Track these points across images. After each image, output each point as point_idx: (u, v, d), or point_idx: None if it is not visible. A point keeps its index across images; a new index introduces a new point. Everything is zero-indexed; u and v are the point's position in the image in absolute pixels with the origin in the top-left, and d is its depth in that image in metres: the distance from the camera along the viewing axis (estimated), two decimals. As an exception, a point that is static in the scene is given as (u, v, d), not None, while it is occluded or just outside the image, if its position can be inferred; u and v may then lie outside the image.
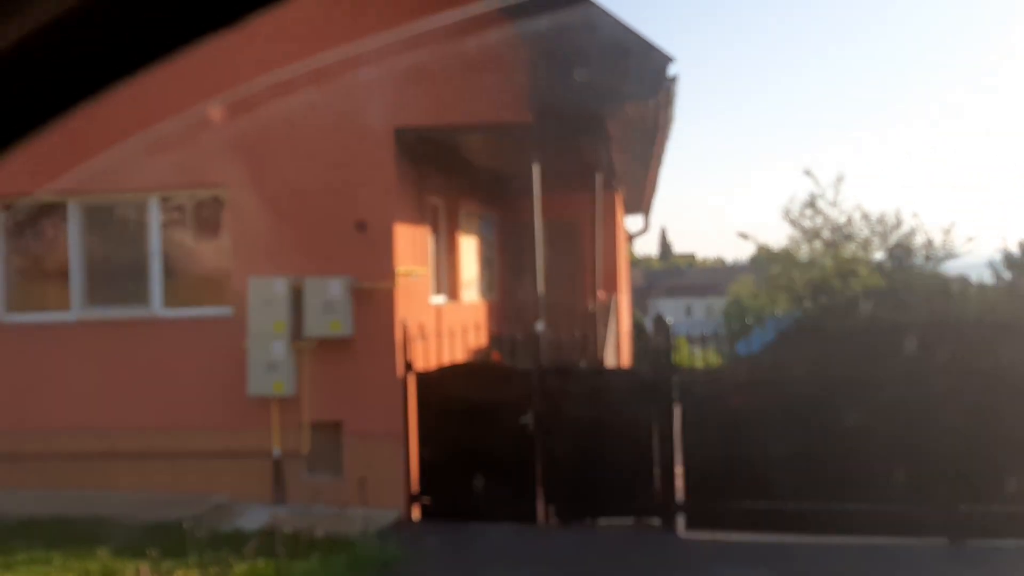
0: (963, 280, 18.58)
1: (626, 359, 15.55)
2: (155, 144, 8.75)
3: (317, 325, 8.33)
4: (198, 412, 8.69)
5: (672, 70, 8.09)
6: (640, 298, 69.75)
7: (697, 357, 9.13)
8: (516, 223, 13.79)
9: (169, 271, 9.06)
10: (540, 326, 8.75)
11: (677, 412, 8.06)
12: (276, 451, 8.56)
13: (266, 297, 8.34)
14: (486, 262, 13.50)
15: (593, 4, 8.00)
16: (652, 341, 8.28)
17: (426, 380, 8.51)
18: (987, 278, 20.40)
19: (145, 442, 8.78)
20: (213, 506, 8.26)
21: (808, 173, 23.11)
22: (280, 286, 8.33)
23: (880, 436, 7.54)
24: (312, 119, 8.55)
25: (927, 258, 22.46)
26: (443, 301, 10.88)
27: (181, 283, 9.08)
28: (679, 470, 8.03)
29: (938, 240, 22.40)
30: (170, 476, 8.77)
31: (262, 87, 8.62)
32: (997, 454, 7.29)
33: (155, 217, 9.02)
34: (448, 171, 10.86)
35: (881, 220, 22.96)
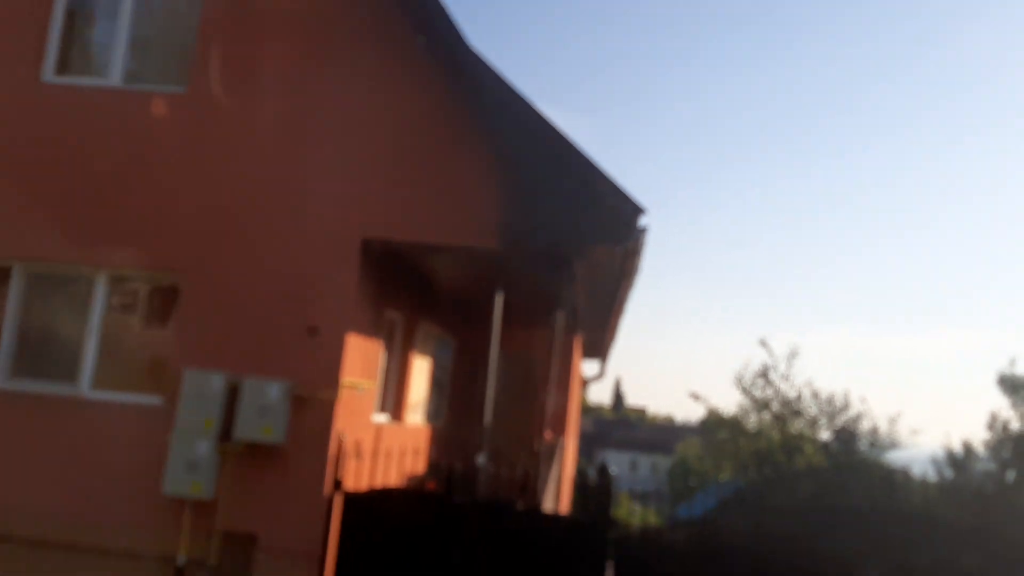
0: (905, 473, 18.59)
1: (565, 505, 15.10)
2: (115, 220, 8.60)
3: (249, 428, 7.95)
4: (106, 504, 8.14)
5: (643, 221, 8.19)
6: (588, 445, 69.10)
7: (637, 514, 8.82)
8: (472, 350, 13.63)
9: (105, 351, 8.68)
10: (482, 459, 8.45)
11: (609, 569, 7.70)
12: (181, 558, 7.98)
13: (200, 391, 7.97)
14: (436, 385, 13.23)
15: (575, 147, 8.16)
16: (593, 491, 7.98)
17: (354, 502, 8.08)
18: (928, 472, 20.48)
19: (42, 529, 8.17)
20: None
21: (763, 344, 23.44)
22: (216, 382, 7.98)
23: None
24: (281, 217, 8.47)
25: (872, 444, 22.59)
26: (386, 420, 10.53)
27: (115, 365, 8.68)
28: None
29: (884, 428, 22.62)
30: (63, 570, 8.11)
31: (232, 177, 8.60)
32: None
33: (101, 294, 8.72)
34: (411, 288, 10.76)
35: (830, 400, 23.19)
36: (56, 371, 8.70)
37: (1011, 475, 18.94)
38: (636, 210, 8.07)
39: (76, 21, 9.34)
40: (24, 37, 9.06)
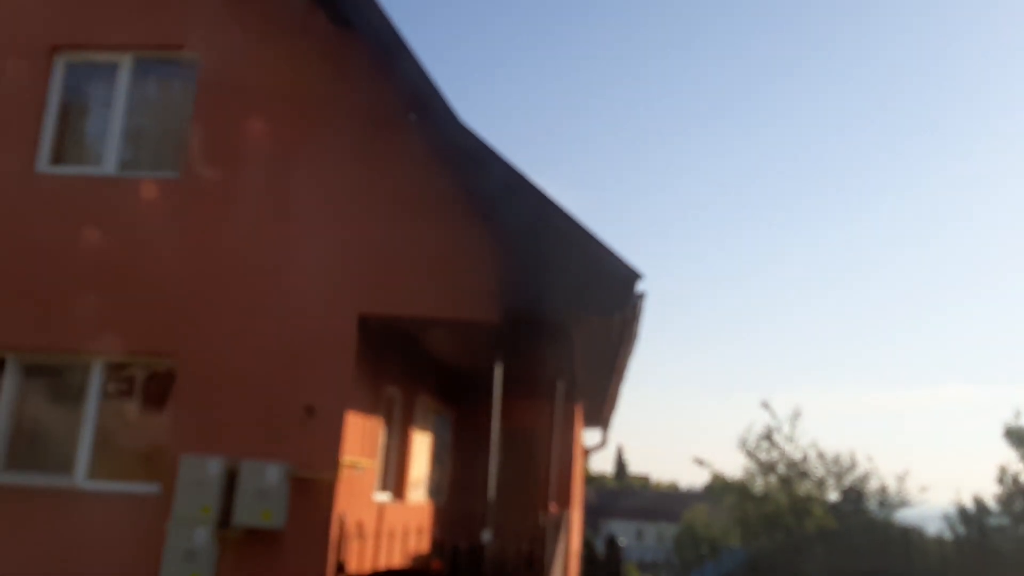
0: (919, 532, 18.30)
1: (573, 581, 14.74)
2: (109, 309, 8.55)
3: (247, 513, 7.77)
4: (103, 598, 7.90)
5: (640, 287, 8.18)
6: (592, 516, 67.97)
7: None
8: (473, 424, 13.47)
9: (101, 440, 8.54)
10: (487, 536, 8.26)
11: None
12: (181, 651, 7.72)
13: (197, 477, 7.82)
14: (438, 462, 13.03)
15: (570, 216, 8.19)
16: (603, 564, 7.79)
17: (357, 585, 7.87)
18: (940, 529, 20.19)
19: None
20: None
21: (765, 405, 23.38)
22: (214, 466, 7.84)
23: None
24: (276, 297, 8.44)
25: (881, 504, 22.30)
26: (387, 499, 10.32)
27: (111, 454, 8.53)
28: None
29: (892, 486, 22.37)
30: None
31: (226, 259, 8.60)
32: None
33: (96, 382, 8.62)
34: (409, 363, 10.68)
35: (836, 460, 23.00)
36: (50, 462, 8.55)
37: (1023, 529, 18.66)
38: (633, 276, 8.06)
39: (71, 112, 9.46)
40: (19, 128, 9.15)
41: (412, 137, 8.68)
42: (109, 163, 9.11)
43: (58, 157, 9.25)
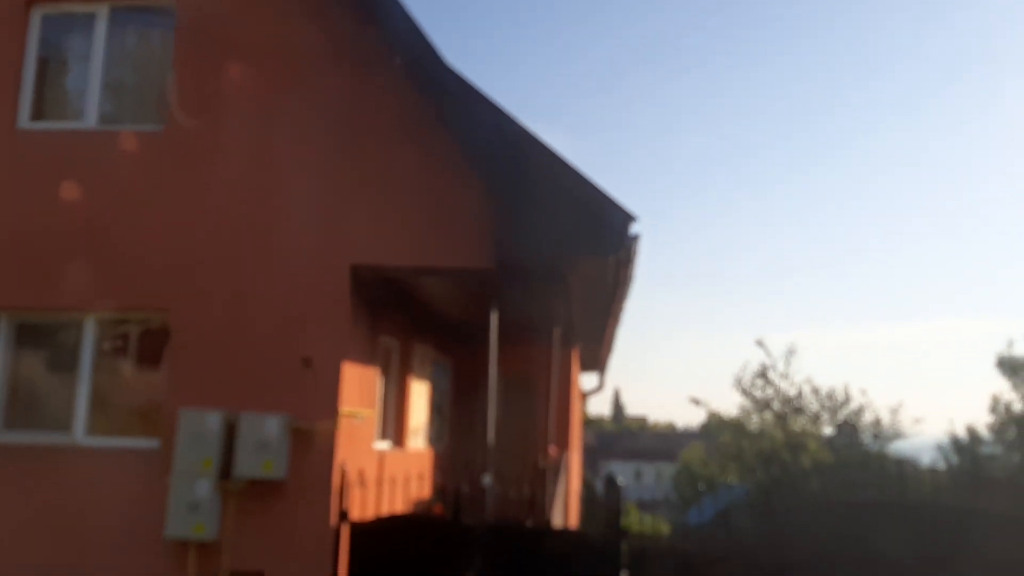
0: (912, 463, 18.53)
1: (574, 520, 14.95)
2: (101, 263, 8.48)
3: (249, 465, 7.81)
4: (108, 552, 7.98)
5: (634, 229, 8.12)
6: (591, 459, 68.83)
7: (647, 523, 8.72)
8: (470, 371, 13.53)
9: (98, 397, 8.54)
10: (488, 480, 8.33)
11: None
12: (189, 602, 7.82)
13: (197, 431, 7.83)
14: (436, 409, 13.10)
15: (561, 159, 8.09)
16: (602, 503, 7.87)
17: (362, 531, 7.95)
18: (933, 459, 20.45)
19: (45, 582, 8.00)
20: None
21: (760, 344, 23.42)
22: (213, 420, 7.85)
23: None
24: (268, 248, 8.36)
25: (875, 437, 22.55)
26: (387, 447, 10.39)
27: (109, 410, 8.54)
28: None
29: (886, 419, 22.59)
30: (68, 623, 7.95)
31: (216, 211, 8.50)
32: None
33: (90, 339, 8.58)
34: (405, 313, 10.65)
35: (831, 395, 23.17)
36: (49, 421, 8.56)
37: (1017, 457, 18.89)
38: (627, 218, 7.99)
39: (49, 67, 9.25)
40: (-3, 85, 8.96)
41: (400, 82, 8.52)
42: (90, 117, 8.94)
43: (38, 113, 9.07)
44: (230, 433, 7.93)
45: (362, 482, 8.24)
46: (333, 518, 7.92)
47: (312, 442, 8.02)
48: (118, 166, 8.70)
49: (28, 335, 8.82)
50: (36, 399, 8.73)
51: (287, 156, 8.53)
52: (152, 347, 8.66)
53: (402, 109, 8.52)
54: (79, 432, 8.43)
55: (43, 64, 9.19)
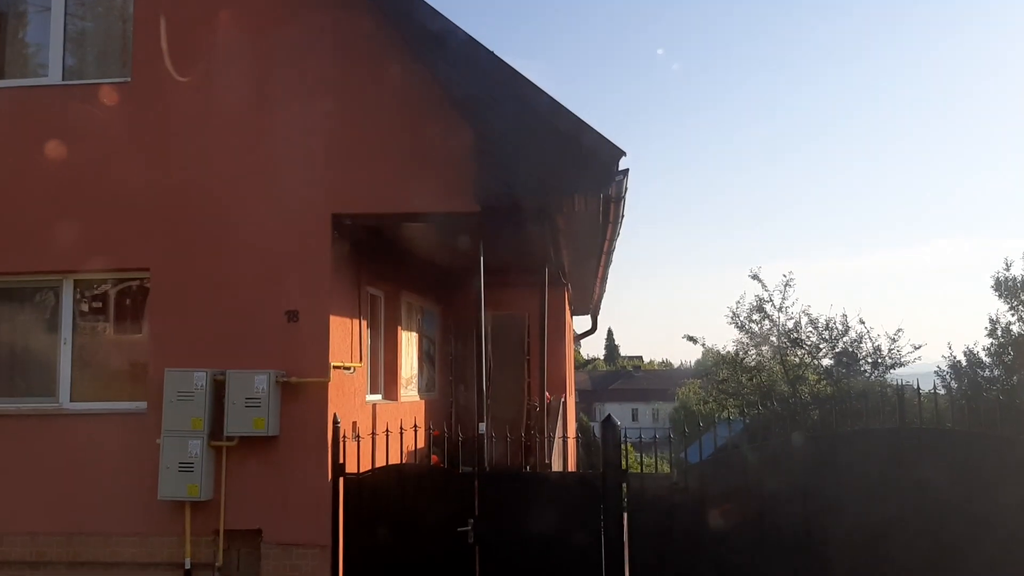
0: (913, 389, 18.53)
1: (573, 464, 14.95)
2: (76, 224, 8.21)
3: (239, 422, 7.66)
4: (103, 516, 7.88)
5: (623, 164, 7.87)
6: (586, 401, 69.32)
7: (646, 463, 8.63)
8: (460, 318, 13.36)
9: (81, 361, 8.36)
10: (483, 427, 8.21)
11: (627, 521, 7.50)
12: (187, 562, 7.73)
13: (184, 391, 7.67)
14: (427, 358, 12.96)
15: (544, 93, 7.79)
16: (601, 445, 7.75)
17: (357, 483, 7.84)
18: (933, 385, 20.47)
19: (40, 549, 7.93)
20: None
21: (755, 276, 23.31)
22: (200, 379, 7.67)
23: (852, 554, 7.07)
24: (244, 200, 8.10)
25: (874, 365, 22.59)
26: (379, 399, 10.26)
27: (93, 374, 8.36)
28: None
29: (885, 347, 22.60)
30: (67, 588, 7.88)
31: (191, 165, 8.22)
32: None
33: (68, 302, 8.36)
34: (389, 261, 10.43)
35: (828, 326, 23.15)
36: (33, 386, 8.39)
37: (1016, 379, 18.94)
38: (616, 153, 7.71)
39: (7, 23, 8.87)
40: (-46, 44, 8.60)
41: (377, 25, 8.17)
42: (55, 72, 8.60)
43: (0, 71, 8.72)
44: (218, 391, 7.78)
45: (356, 435, 8.11)
46: (329, 472, 7.80)
47: (304, 397, 7.87)
48: (87, 121, 8.38)
49: (4, 301, 8.59)
50: (18, 365, 8.54)
51: (261, 103, 8.22)
52: (133, 307, 8.45)
53: (380, 52, 8.18)
54: (64, 397, 8.26)
55: (1, 19, 8.81)
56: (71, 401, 8.25)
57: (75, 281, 8.41)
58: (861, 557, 7.09)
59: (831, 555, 7.14)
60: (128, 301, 8.49)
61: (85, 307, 8.49)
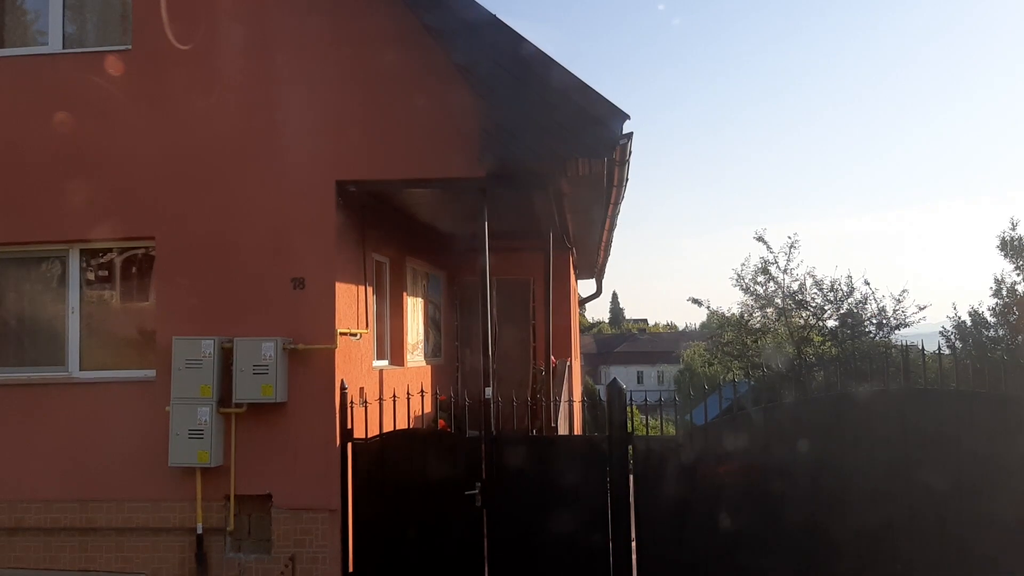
0: (916, 349, 18.54)
1: (578, 427, 15.05)
2: (80, 193, 8.21)
3: (247, 389, 7.72)
4: (115, 483, 7.98)
5: (627, 127, 7.81)
6: (591, 364, 69.59)
7: (652, 426, 8.69)
8: (465, 283, 13.38)
9: (89, 330, 8.41)
10: (489, 391, 8.26)
11: (633, 483, 7.58)
12: (199, 527, 7.85)
13: (192, 358, 7.72)
14: (433, 324, 13.01)
15: (547, 57, 7.73)
16: (606, 408, 7.81)
17: (365, 448, 7.92)
18: (938, 345, 20.50)
19: (55, 516, 8.04)
20: (125, 589, 7.51)
21: (760, 238, 23.21)
22: (208, 346, 7.72)
23: (858, 516, 7.15)
24: (248, 167, 8.09)
25: (879, 326, 22.57)
26: (386, 365, 10.32)
27: (101, 343, 8.41)
28: (635, 545, 7.51)
29: (890, 308, 22.57)
30: (81, 553, 8.01)
31: (194, 132, 8.19)
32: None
33: (75, 271, 8.39)
34: (394, 227, 10.43)
35: (833, 287, 23.09)
36: (42, 356, 8.45)
37: (1021, 338, 18.92)
38: (620, 116, 7.66)
39: (5, -11, 8.80)
40: (-48, 12, 8.53)
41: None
42: (55, 40, 8.55)
43: (-1, 39, 8.68)
44: (226, 359, 7.83)
45: (363, 400, 8.18)
46: (337, 437, 7.88)
47: (311, 363, 7.91)
48: (89, 90, 8.34)
49: (11, 270, 8.62)
50: (27, 335, 8.59)
51: (265, 72, 8.17)
52: (140, 276, 8.48)
53: (382, 16, 8.10)
54: (73, 367, 8.32)
55: (-1, -14, 8.75)
56: (80, 370, 8.32)
57: (81, 250, 8.43)
58: (864, 518, 7.17)
59: (836, 512, 7.22)
60: (134, 269, 8.52)
61: (92, 276, 8.52)
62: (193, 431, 7.70)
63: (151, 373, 8.06)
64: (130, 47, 8.34)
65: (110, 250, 8.50)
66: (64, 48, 8.53)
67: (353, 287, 8.68)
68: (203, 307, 8.01)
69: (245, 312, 7.95)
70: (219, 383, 7.77)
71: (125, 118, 8.27)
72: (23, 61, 8.53)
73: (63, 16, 8.59)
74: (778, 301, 23.40)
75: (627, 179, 9.48)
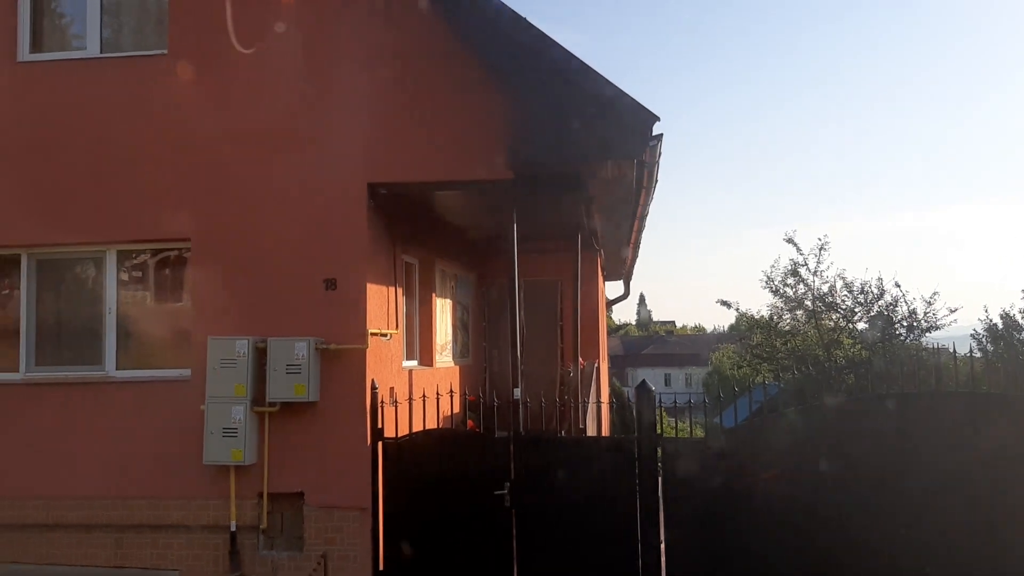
0: (948, 352, 18.32)
1: (606, 428, 15.05)
2: (117, 195, 8.37)
3: (280, 388, 7.82)
4: (150, 481, 8.10)
5: (657, 129, 7.83)
6: (618, 366, 69.36)
7: (680, 429, 8.68)
8: (494, 285, 13.44)
9: (125, 330, 8.56)
10: (518, 392, 8.30)
11: (662, 485, 7.58)
12: (232, 524, 7.96)
13: (226, 358, 7.83)
14: (462, 325, 13.07)
15: (577, 59, 7.77)
16: (635, 409, 7.82)
17: (396, 448, 7.99)
18: (970, 348, 20.28)
19: (91, 513, 8.18)
20: (161, 584, 7.63)
21: (790, 240, 23.08)
22: (242, 346, 7.83)
23: (889, 521, 7.09)
24: (281, 172, 8.19)
25: (910, 329, 22.34)
26: (416, 365, 10.40)
27: (137, 342, 8.56)
28: (664, 547, 7.51)
29: (920, 310, 22.33)
30: (117, 550, 8.15)
31: (229, 136, 8.31)
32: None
33: (111, 272, 8.55)
34: (424, 229, 10.51)
35: (863, 290, 22.90)
36: (79, 356, 8.61)
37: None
38: (649, 118, 7.68)
39: (43, -5, 8.98)
40: (-6, 19, 8.72)
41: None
42: (92, 45, 8.71)
43: (38, 44, 8.84)
44: (260, 358, 7.93)
45: (394, 400, 8.25)
46: (368, 437, 7.96)
47: (342, 363, 8.00)
48: (126, 93, 8.49)
49: (49, 271, 8.80)
50: (64, 336, 8.75)
51: (299, 76, 8.26)
52: (175, 276, 8.62)
53: (414, 21, 8.17)
54: (110, 366, 8.47)
55: (37, -8, 8.93)
56: (117, 369, 8.46)
57: (118, 252, 8.58)
58: (893, 521, 7.12)
59: (866, 512, 7.17)
60: (169, 271, 8.66)
61: (127, 277, 8.67)
62: (227, 430, 7.81)
63: (186, 372, 8.19)
64: (166, 52, 8.48)
65: (146, 252, 8.65)
66: (102, 52, 8.69)
67: (383, 288, 8.76)
68: (237, 307, 8.12)
69: (278, 312, 8.05)
70: (253, 382, 7.88)
71: (157, 121, 8.40)
72: (62, 65, 8.70)
73: (100, 21, 8.75)
74: (808, 303, 23.23)
75: (656, 181, 9.51)
